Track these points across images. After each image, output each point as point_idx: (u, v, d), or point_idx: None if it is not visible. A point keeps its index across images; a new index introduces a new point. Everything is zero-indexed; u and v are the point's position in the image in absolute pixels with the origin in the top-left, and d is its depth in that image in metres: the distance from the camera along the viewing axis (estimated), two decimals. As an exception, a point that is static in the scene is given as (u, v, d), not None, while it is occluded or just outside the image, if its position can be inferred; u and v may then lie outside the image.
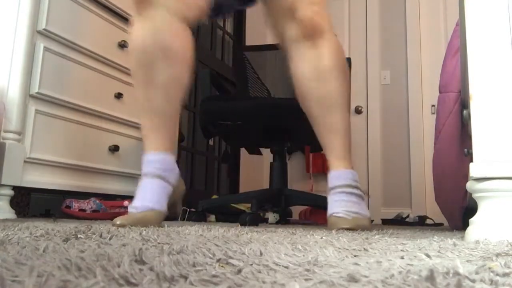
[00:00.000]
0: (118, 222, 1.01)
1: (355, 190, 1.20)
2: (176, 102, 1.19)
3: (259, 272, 0.32)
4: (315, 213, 2.68)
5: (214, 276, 0.29)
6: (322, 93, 1.25)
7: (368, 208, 3.49)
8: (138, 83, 1.17)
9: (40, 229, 0.72)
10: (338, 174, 1.21)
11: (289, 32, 1.26)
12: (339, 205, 1.16)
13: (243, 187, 3.55)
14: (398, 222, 2.69)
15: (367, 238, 0.75)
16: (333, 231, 1.02)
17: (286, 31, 1.27)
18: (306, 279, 0.30)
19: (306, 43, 1.24)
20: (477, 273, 0.32)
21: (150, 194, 1.11)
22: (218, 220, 2.12)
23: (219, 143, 3.32)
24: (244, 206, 2.11)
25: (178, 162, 2.41)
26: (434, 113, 3.20)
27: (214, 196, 2.29)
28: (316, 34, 1.24)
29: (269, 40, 3.66)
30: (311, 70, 1.25)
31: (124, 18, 1.98)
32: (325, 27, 1.26)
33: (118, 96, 1.92)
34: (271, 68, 2.37)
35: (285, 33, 1.27)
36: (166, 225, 1.05)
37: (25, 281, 0.25)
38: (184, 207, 1.83)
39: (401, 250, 0.53)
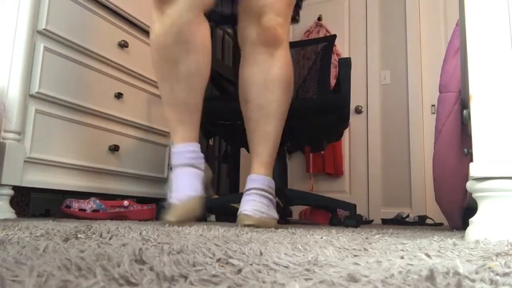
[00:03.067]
0: (170, 219, 1.10)
1: (267, 194, 1.27)
2: (199, 93, 1.26)
3: (259, 272, 0.32)
4: (315, 213, 2.68)
5: (214, 276, 0.29)
6: (266, 101, 1.30)
7: (368, 208, 3.47)
8: (162, 77, 1.24)
9: (40, 229, 0.72)
10: (257, 178, 1.29)
11: (251, 35, 1.30)
12: (249, 204, 1.23)
13: (243, 187, 3.54)
14: (398, 222, 2.69)
15: (367, 238, 0.75)
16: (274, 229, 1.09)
17: (248, 33, 1.31)
18: (306, 279, 0.30)
19: (264, 49, 1.29)
20: (477, 273, 0.32)
21: (187, 182, 1.20)
22: (218, 220, 2.12)
23: (219, 143, 3.32)
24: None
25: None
26: (434, 113, 3.20)
27: (214, 196, 2.29)
28: (274, 44, 1.29)
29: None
30: (262, 77, 1.30)
31: (124, 18, 1.98)
32: (284, 39, 1.32)
33: (118, 96, 1.92)
34: (271, 68, 2.37)
35: (246, 35, 1.32)
36: (166, 225, 1.05)
37: (25, 281, 0.25)
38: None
39: (401, 250, 0.53)
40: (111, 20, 1.90)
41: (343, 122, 1.91)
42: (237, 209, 2.08)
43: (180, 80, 1.22)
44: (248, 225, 1.17)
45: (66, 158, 1.67)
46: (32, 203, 2.05)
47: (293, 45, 2.25)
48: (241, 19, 1.34)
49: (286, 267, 0.35)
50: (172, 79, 1.22)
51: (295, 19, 1.48)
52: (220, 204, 2.09)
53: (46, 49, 1.59)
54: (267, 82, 1.30)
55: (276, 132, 1.33)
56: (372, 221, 3.09)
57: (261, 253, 0.44)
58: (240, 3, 1.35)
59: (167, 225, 1.07)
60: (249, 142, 1.35)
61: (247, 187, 1.29)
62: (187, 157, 1.23)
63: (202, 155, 1.28)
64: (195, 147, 1.26)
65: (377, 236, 0.84)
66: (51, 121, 1.62)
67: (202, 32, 1.23)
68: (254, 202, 1.23)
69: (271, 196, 1.29)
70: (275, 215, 1.28)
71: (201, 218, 1.61)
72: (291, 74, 1.36)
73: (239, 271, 0.32)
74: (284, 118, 1.35)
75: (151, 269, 0.31)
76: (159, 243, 0.54)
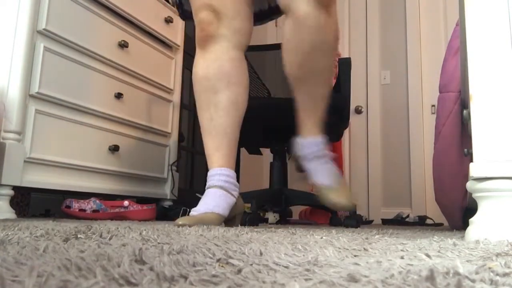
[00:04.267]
0: (180, 222, 1.08)
1: (331, 154, 1.34)
2: (237, 122, 1.30)
3: (259, 272, 0.32)
4: (315, 213, 2.68)
5: (214, 276, 0.29)
6: (325, 65, 1.28)
7: (368, 208, 3.46)
8: (202, 106, 1.30)
9: (40, 229, 0.72)
10: (317, 142, 1.32)
11: None
12: (327, 173, 1.29)
13: (243, 187, 3.54)
14: (398, 222, 2.69)
15: (367, 238, 0.75)
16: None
17: None
18: (306, 279, 0.30)
19: (320, 9, 1.19)
20: (477, 273, 0.32)
21: (211, 199, 1.20)
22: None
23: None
24: (244, 206, 2.10)
25: (178, 162, 2.41)
26: (434, 113, 3.20)
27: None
28: (329, 1, 1.23)
29: (269, 40, 3.66)
30: (322, 38, 1.22)
31: (124, 18, 1.98)
32: None
33: (118, 96, 1.92)
34: (271, 68, 2.37)
35: None
36: (166, 225, 1.05)
37: (25, 281, 0.25)
38: (184, 207, 1.83)
39: (401, 250, 0.53)
40: (111, 20, 1.90)
41: (343, 122, 1.91)
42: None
43: (219, 109, 1.27)
44: (341, 204, 1.25)
45: (66, 158, 1.67)
46: (32, 203, 2.05)
47: (293, 45, 2.24)
48: None
49: (286, 267, 0.35)
50: (212, 107, 1.27)
51: None
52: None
53: (46, 49, 1.59)
54: (327, 45, 1.25)
55: (327, 95, 1.34)
56: (372, 221, 3.09)
57: (261, 253, 0.44)
58: None
59: (177, 225, 1.05)
60: (301, 103, 1.33)
61: (310, 151, 1.33)
62: (220, 179, 1.23)
63: (237, 183, 1.29)
64: (230, 172, 1.26)
65: (377, 236, 0.84)
66: (51, 121, 1.62)
67: (242, 69, 1.31)
68: (328, 170, 1.30)
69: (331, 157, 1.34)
70: (339, 173, 1.34)
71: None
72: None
73: (239, 271, 0.32)
74: (332, 76, 1.40)
75: (151, 269, 0.31)
76: (159, 243, 0.54)
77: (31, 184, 1.53)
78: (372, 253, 0.49)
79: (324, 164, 1.31)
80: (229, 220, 1.25)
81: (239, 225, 1.32)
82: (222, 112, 1.27)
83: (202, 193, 1.25)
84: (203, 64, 1.29)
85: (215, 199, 1.20)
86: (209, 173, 1.26)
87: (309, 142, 1.32)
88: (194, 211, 1.17)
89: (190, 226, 1.05)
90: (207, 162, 1.29)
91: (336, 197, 1.25)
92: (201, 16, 1.28)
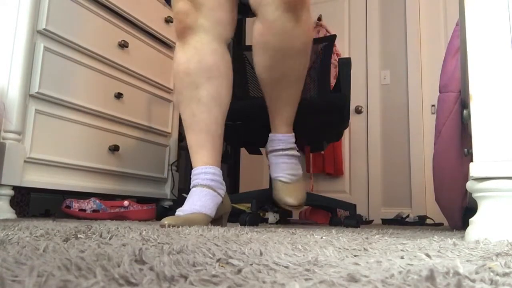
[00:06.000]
0: (165, 222, 1.04)
1: (295, 152, 1.38)
2: (220, 119, 1.26)
3: (259, 272, 0.32)
4: (315, 213, 2.68)
5: (214, 276, 0.29)
6: (291, 69, 1.28)
7: (368, 208, 3.46)
8: (184, 102, 1.25)
9: (40, 229, 0.72)
10: (283, 138, 1.36)
11: None
12: (282, 167, 1.34)
13: (243, 187, 3.55)
14: (398, 222, 2.69)
15: (367, 238, 0.75)
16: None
17: None
18: (306, 279, 0.30)
19: (289, 14, 1.19)
20: (477, 273, 0.32)
21: (198, 199, 1.16)
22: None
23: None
24: (244, 206, 2.10)
25: (178, 162, 2.41)
26: (434, 113, 3.20)
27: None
28: (300, 6, 1.20)
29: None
30: (289, 45, 1.22)
31: (124, 18, 1.98)
32: (307, 1, 1.25)
33: (118, 96, 1.92)
34: (271, 68, 2.36)
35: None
36: (166, 225, 1.05)
37: (25, 281, 0.25)
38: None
39: (401, 250, 0.53)
40: (111, 20, 1.90)
41: (343, 122, 1.91)
42: (238, 209, 2.08)
43: (201, 104, 1.23)
44: (291, 206, 1.29)
45: (66, 158, 1.67)
46: (32, 203, 2.05)
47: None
48: None
49: (286, 267, 0.35)
50: (193, 103, 1.23)
51: None
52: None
53: (46, 49, 1.59)
54: (294, 50, 1.24)
55: (299, 93, 1.35)
56: (372, 221, 3.09)
57: (261, 253, 0.44)
58: None
59: (163, 226, 1.03)
60: (269, 103, 1.36)
61: (274, 147, 1.36)
62: (204, 178, 1.19)
63: (223, 181, 1.24)
64: (215, 170, 1.22)
65: (377, 236, 0.84)
66: (51, 121, 1.62)
67: (224, 61, 1.26)
68: (286, 165, 1.32)
69: (297, 153, 1.37)
70: (301, 170, 1.36)
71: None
72: (312, 38, 1.32)
73: (239, 271, 0.32)
74: (304, 79, 1.36)
75: (151, 269, 0.31)
76: (159, 243, 0.54)
77: (31, 184, 1.53)
78: (372, 253, 0.49)
79: (285, 159, 1.35)
80: (215, 220, 1.21)
81: (226, 225, 1.30)
82: (204, 108, 1.23)
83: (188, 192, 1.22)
84: (183, 58, 1.24)
85: (201, 198, 1.16)
86: (193, 171, 1.22)
87: (276, 138, 1.37)
88: (180, 211, 1.13)
89: (176, 226, 1.02)
90: (190, 159, 1.26)
91: (286, 195, 1.29)
92: (178, 6, 1.22)
